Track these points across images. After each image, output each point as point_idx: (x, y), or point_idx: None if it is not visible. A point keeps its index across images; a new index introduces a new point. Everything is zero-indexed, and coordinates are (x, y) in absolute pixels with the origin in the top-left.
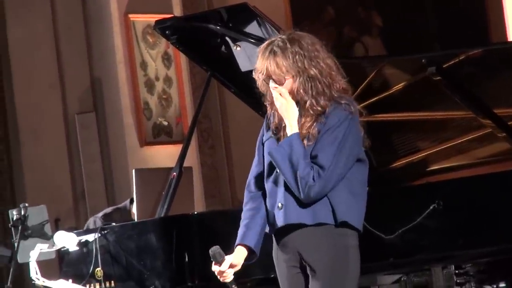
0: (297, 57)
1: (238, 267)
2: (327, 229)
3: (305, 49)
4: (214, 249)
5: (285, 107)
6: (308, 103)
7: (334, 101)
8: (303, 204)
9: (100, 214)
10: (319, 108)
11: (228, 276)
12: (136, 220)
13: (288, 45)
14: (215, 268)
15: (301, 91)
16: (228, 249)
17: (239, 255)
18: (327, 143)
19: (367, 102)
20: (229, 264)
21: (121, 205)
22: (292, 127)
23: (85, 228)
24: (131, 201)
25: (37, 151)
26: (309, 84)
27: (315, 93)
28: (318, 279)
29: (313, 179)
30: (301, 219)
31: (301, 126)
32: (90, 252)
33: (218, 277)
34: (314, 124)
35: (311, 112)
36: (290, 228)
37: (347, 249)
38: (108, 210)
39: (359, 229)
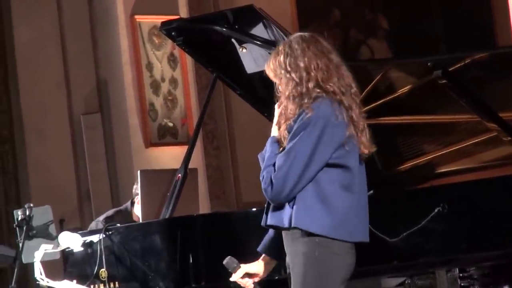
0: (280, 57)
1: (261, 275)
2: (297, 234)
3: (292, 49)
4: (227, 260)
5: (274, 110)
6: (283, 103)
7: (304, 103)
8: (278, 207)
9: (102, 217)
10: (289, 110)
11: (248, 285)
12: (138, 221)
13: (280, 47)
14: (232, 278)
15: (281, 90)
16: (234, 250)
17: (261, 263)
18: (286, 147)
19: (373, 105)
20: (245, 273)
21: (122, 207)
22: (272, 130)
23: None
24: (132, 203)
25: (42, 152)
26: (287, 84)
27: (290, 93)
28: (293, 285)
29: (266, 182)
30: (277, 221)
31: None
32: (95, 253)
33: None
34: (287, 126)
35: (285, 114)
36: (275, 229)
37: (316, 256)
38: (110, 212)
39: (323, 234)
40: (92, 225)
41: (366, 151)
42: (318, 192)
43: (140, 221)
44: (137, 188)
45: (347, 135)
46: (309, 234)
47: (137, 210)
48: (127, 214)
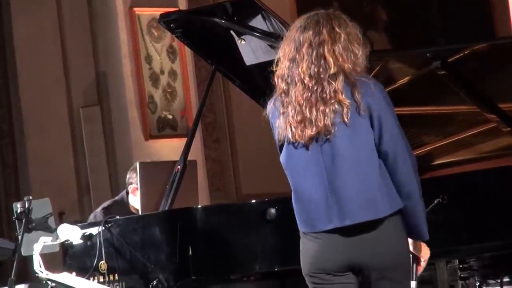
0: None
1: (423, 258)
2: None
3: None
4: None
5: None
6: None
7: None
8: None
9: (99, 209)
10: None
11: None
12: (136, 212)
13: None
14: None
15: None
16: (234, 242)
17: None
18: None
19: None
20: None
21: (118, 198)
22: None
23: None
24: (127, 193)
25: (42, 145)
26: None
27: None
28: None
29: None
30: None
31: None
32: (94, 245)
33: None
34: None
35: None
36: None
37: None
38: (106, 203)
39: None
40: (91, 217)
41: (298, 137)
42: None
43: (139, 211)
44: (130, 177)
45: (277, 129)
46: None
47: (132, 201)
48: (124, 205)
